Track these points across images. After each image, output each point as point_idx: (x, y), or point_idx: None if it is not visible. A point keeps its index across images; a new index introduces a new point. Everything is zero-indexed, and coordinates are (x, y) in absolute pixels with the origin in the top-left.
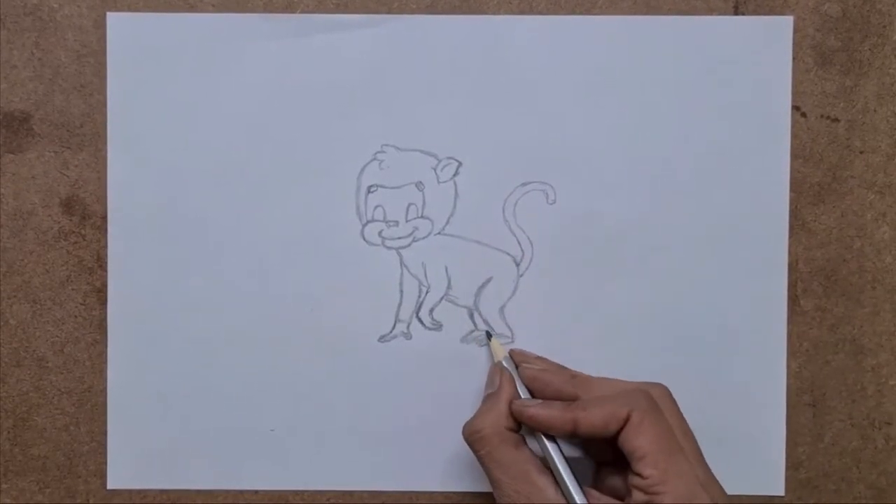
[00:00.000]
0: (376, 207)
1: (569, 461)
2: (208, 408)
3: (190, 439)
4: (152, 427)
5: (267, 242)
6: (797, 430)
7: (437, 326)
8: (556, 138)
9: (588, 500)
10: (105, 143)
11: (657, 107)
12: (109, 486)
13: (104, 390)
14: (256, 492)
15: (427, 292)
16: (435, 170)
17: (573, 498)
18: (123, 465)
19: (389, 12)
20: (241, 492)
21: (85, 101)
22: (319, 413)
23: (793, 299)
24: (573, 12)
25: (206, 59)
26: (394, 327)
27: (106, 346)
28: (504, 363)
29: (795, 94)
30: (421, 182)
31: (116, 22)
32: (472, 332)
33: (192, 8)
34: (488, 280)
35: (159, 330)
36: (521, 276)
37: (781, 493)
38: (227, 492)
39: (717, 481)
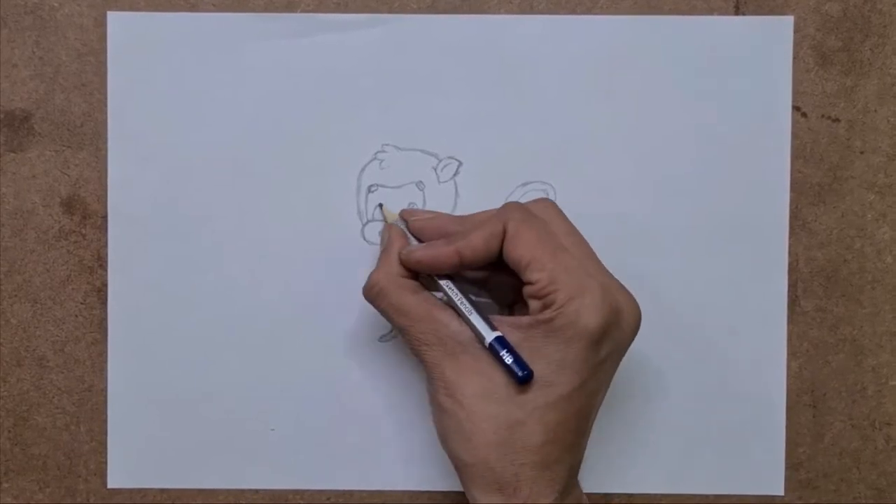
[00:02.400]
0: (377, 207)
1: (473, 301)
2: (208, 407)
3: (190, 438)
4: (152, 426)
5: (267, 242)
6: (797, 430)
7: None
8: (556, 138)
9: (488, 324)
10: (106, 142)
11: (657, 107)
12: (110, 485)
13: (104, 389)
14: (257, 491)
15: None
16: (435, 169)
17: (472, 321)
18: (124, 464)
19: (390, 12)
20: (242, 491)
21: (85, 100)
22: (319, 413)
23: (793, 300)
24: (574, 12)
25: (207, 58)
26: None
27: (106, 346)
28: (397, 223)
29: (796, 94)
30: (421, 182)
31: (117, 21)
32: None
33: (192, 7)
34: None
35: (159, 329)
36: None
37: (781, 493)
38: (228, 491)
39: (609, 275)
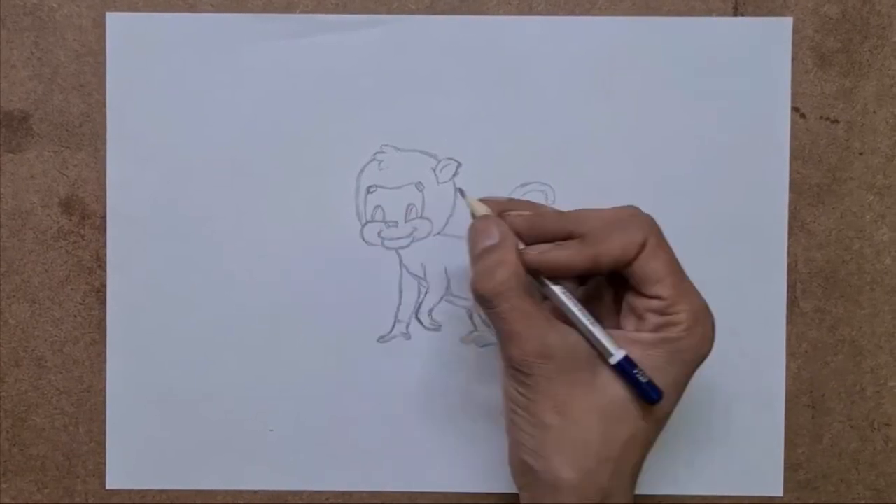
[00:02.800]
0: (376, 208)
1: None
2: (207, 408)
3: (189, 439)
4: (151, 427)
5: (266, 243)
6: (796, 430)
7: (437, 327)
8: (555, 139)
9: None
10: (104, 142)
11: (656, 108)
12: (108, 485)
13: (103, 390)
14: (255, 492)
15: (426, 293)
16: (434, 170)
17: (596, 335)
18: (122, 465)
19: (389, 12)
20: (241, 492)
21: (84, 100)
22: (319, 413)
23: (792, 300)
24: (573, 13)
25: (206, 58)
26: (393, 327)
27: (105, 346)
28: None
29: (795, 95)
30: (420, 182)
31: (116, 22)
32: (472, 332)
33: (191, 8)
34: None
35: (158, 330)
36: None
37: (780, 493)
38: (227, 492)
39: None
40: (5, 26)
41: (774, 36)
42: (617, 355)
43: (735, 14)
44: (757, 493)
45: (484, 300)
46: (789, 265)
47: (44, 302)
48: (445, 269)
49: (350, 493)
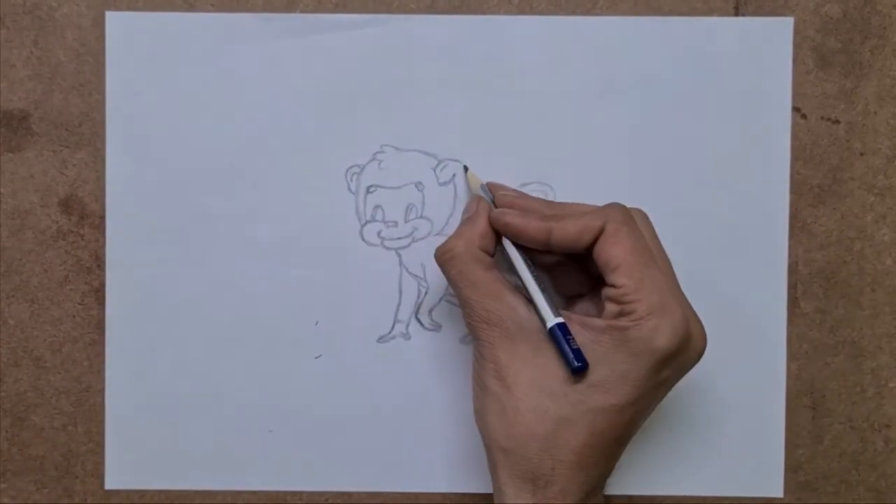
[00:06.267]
0: (375, 208)
1: (542, 285)
2: (207, 408)
3: (188, 439)
4: (150, 427)
5: (266, 243)
6: (796, 431)
7: (437, 327)
8: (555, 139)
9: (554, 309)
10: (104, 142)
11: (657, 107)
12: (107, 486)
13: (102, 390)
14: (255, 492)
15: (426, 293)
16: (434, 170)
17: (537, 301)
18: (121, 466)
19: (389, 12)
20: (240, 492)
21: (84, 100)
22: (318, 413)
23: (792, 301)
24: (573, 13)
25: (206, 58)
26: (393, 328)
27: (104, 346)
28: (481, 191)
29: (795, 95)
30: (420, 182)
31: (115, 21)
32: None
33: (191, 7)
34: None
35: (157, 330)
36: None
37: (780, 494)
38: (226, 492)
39: (688, 303)
40: (4, 25)
41: (775, 36)
42: (551, 321)
43: (736, 14)
44: (757, 493)
45: (439, 265)
46: (790, 266)
47: (43, 302)
48: None
49: (349, 494)
